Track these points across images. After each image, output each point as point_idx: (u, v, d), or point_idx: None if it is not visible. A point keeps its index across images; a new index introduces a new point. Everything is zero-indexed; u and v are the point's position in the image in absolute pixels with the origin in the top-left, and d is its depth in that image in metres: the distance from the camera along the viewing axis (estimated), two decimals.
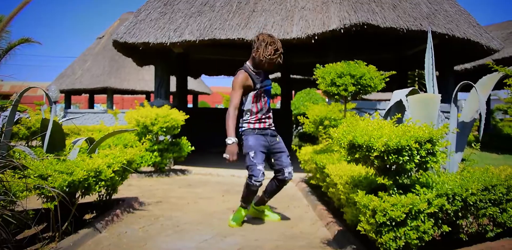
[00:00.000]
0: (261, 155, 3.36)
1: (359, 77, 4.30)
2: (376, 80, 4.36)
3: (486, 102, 2.94)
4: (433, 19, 6.42)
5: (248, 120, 3.48)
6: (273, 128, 3.57)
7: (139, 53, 8.17)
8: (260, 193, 3.61)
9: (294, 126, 12.72)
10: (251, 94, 3.43)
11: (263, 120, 3.49)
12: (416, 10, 6.48)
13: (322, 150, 4.56)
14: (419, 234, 2.22)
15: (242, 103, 3.46)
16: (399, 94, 3.07)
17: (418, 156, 2.23)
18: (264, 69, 3.46)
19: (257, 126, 3.46)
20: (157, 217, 3.79)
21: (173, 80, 10.20)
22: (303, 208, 4.20)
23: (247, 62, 3.48)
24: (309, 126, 5.12)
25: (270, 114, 3.56)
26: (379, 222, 2.22)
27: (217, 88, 32.34)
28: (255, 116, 3.47)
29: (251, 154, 3.34)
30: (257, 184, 3.30)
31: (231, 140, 3.27)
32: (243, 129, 3.47)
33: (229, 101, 3.39)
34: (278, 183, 3.53)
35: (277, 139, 3.54)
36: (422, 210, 2.21)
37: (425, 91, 3.29)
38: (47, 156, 3.13)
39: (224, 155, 3.30)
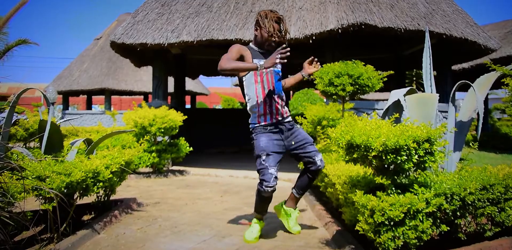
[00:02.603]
0: (274, 157, 2.94)
1: (357, 77, 4.31)
2: (374, 80, 4.37)
3: (484, 101, 2.95)
4: (430, 19, 6.44)
5: (256, 115, 3.06)
6: (289, 120, 3.12)
7: (136, 54, 8.18)
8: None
9: None
10: (250, 75, 3.04)
11: (274, 111, 3.05)
12: (413, 10, 6.50)
13: (320, 150, 4.57)
14: (417, 233, 2.22)
15: (244, 96, 3.13)
16: (397, 94, 3.07)
17: (416, 156, 2.23)
18: (270, 49, 3.06)
19: (268, 120, 3.04)
20: (155, 217, 3.79)
21: (171, 81, 10.22)
22: (301, 208, 4.20)
23: (250, 43, 3.15)
24: (307, 126, 5.12)
25: (283, 102, 3.11)
26: (377, 222, 2.22)
27: (215, 89, 32.37)
28: (262, 106, 3.04)
29: (263, 156, 2.92)
30: (269, 189, 2.88)
31: (258, 63, 2.81)
32: (254, 126, 3.05)
33: (224, 57, 2.89)
34: (312, 175, 3.11)
35: (295, 129, 3.12)
36: (420, 209, 2.21)
37: (423, 91, 3.30)
38: (45, 157, 3.12)
39: (274, 60, 2.72)
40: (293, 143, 3.07)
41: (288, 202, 3.29)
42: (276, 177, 2.90)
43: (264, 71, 3.03)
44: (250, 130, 3.08)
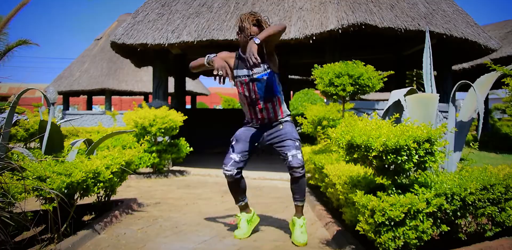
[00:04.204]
0: (241, 145, 3.02)
1: (357, 77, 4.31)
2: (374, 80, 4.37)
3: (484, 101, 2.95)
4: (431, 19, 6.44)
5: (245, 120, 3.21)
6: (275, 120, 3.08)
7: (137, 54, 8.19)
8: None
9: None
10: (235, 83, 3.06)
11: (259, 117, 3.07)
12: (413, 10, 6.50)
13: (320, 150, 4.56)
14: (418, 233, 2.22)
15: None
16: (397, 94, 3.07)
17: (417, 156, 2.23)
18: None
19: (248, 119, 3.14)
20: (155, 218, 3.79)
21: (171, 81, 10.21)
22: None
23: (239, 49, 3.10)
24: (307, 126, 5.12)
25: (269, 103, 3.02)
26: (378, 222, 2.22)
27: (215, 89, 32.36)
28: (249, 114, 3.11)
29: (232, 142, 3.07)
30: (226, 173, 2.99)
31: (207, 57, 2.93)
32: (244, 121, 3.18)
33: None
34: (290, 174, 2.99)
35: (281, 127, 3.06)
36: (421, 209, 2.21)
37: (423, 91, 3.30)
38: (46, 158, 3.12)
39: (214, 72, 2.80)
40: (273, 136, 3.07)
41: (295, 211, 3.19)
42: (235, 162, 2.98)
43: (244, 81, 3.01)
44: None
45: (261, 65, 2.98)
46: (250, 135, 3.08)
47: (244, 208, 3.26)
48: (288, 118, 3.14)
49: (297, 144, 3.01)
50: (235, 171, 3.03)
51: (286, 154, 2.95)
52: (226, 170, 3.02)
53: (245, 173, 3.26)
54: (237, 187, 3.13)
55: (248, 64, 2.68)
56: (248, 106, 3.07)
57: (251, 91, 3.02)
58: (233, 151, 3.03)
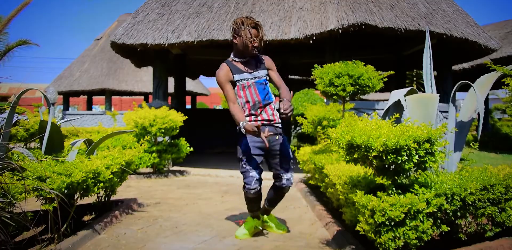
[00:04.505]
0: (255, 160, 2.98)
1: (357, 77, 4.30)
2: (374, 80, 4.36)
3: (485, 101, 2.95)
4: (431, 19, 6.43)
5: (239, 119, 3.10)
6: (275, 124, 3.07)
7: (137, 54, 8.19)
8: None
9: (293, 126, 12.74)
10: (236, 87, 3.04)
11: (255, 113, 3.02)
12: (414, 10, 6.50)
13: (320, 150, 4.56)
14: (418, 234, 2.22)
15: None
16: (397, 94, 3.07)
17: (417, 156, 2.23)
18: (250, 55, 3.03)
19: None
20: (155, 218, 3.79)
21: (171, 81, 10.21)
22: (302, 209, 4.20)
23: (231, 54, 3.10)
24: (307, 126, 5.12)
25: (268, 107, 3.05)
26: (378, 222, 2.22)
27: (215, 89, 32.36)
28: (247, 110, 3.03)
29: (244, 159, 2.98)
30: (251, 192, 2.97)
31: (241, 123, 2.83)
32: (238, 127, 2.98)
33: (226, 99, 3.01)
34: (276, 190, 3.14)
35: (277, 138, 3.05)
36: (421, 210, 2.21)
37: (423, 91, 3.30)
38: (46, 158, 3.12)
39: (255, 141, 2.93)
40: (271, 149, 3.04)
41: (261, 211, 3.33)
42: (257, 180, 2.97)
43: (246, 84, 3.01)
44: (237, 131, 3.02)
45: (263, 71, 3.08)
46: (257, 146, 3.00)
47: (256, 214, 3.26)
48: (280, 124, 3.13)
49: (292, 166, 3.12)
50: (259, 187, 3.02)
51: (281, 175, 3.06)
52: (251, 189, 2.97)
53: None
54: (259, 199, 3.13)
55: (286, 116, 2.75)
56: (250, 110, 3.03)
57: (254, 95, 3.02)
58: (250, 168, 2.97)
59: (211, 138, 10.77)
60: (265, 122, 3.04)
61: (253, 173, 2.96)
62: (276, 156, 3.06)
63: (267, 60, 3.13)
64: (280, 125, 3.11)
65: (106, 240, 3.07)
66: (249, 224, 3.23)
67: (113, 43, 7.36)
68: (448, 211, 2.37)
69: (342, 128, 2.47)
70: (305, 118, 5.16)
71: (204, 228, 3.45)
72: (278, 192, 3.13)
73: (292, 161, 3.13)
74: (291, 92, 15.39)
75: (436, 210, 2.28)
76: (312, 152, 4.66)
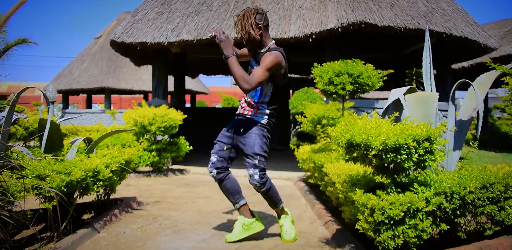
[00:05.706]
0: (217, 145, 3.01)
1: (356, 76, 4.30)
2: (374, 79, 4.37)
3: (484, 100, 2.93)
4: (430, 17, 6.43)
5: None
6: (245, 115, 3.00)
7: (136, 53, 8.17)
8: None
9: (292, 125, 12.74)
10: None
11: (241, 104, 3.08)
12: (413, 8, 6.49)
13: (320, 149, 4.57)
14: (417, 232, 2.22)
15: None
16: (397, 93, 3.07)
17: (416, 155, 2.23)
18: (249, 48, 3.08)
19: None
20: (155, 216, 3.79)
21: (171, 80, 10.21)
22: (301, 207, 4.20)
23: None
24: (307, 125, 5.12)
25: (251, 105, 2.99)
26: (377, 221, 2.22)
27: (215, 88, 32.38)
28: (242, 98, 3.09)
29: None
30: (210, 174, 3.00)
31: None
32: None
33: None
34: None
35: (241, 130, 2.96)
36: (420, 208, 2.21)
37: (423, 90, 3.30)
38: (45, 156, 3.12)
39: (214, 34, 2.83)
40: (236, 141, 3.00)
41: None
42: (213, 163, 2.98)
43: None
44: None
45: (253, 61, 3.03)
46: (225, 134, 3.04)
47: (242, 211, 3.03)
48: (260, 119, 2.97)
49: (255, 161, 2.87)
50: (215, 171, 2.99)
51: (247, 171, 2.92)
52: (210, 172, 3.01)
53: (242, 172, 3.23)
54: (223, 188, 3.02)
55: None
56: (244, 98, 3.07)
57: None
58: (212, 152, 3.03)
59: (210, 137, 10.74)
60: (241, 112, 3.05)
61: (212, 157, 3.01)
62: (243, 149, 2.95)
63: (263, 56, 2.90)
64: (251, 118, 2.97)
65: (105, 239, 3.07)
66: (236, 224, 3.02)
67: (113, 42, 7.35)
68: (447, 210, 2.38)
69: (342, 126, 2.47)
70: (305, 117, 5.16)
71: (203, 226, 3.45)
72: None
73: (259, 156, 2.88)
74: (291, 91, 15.40)
75: (435, 209, 2.28)
76: (311, 150, 4.66)
